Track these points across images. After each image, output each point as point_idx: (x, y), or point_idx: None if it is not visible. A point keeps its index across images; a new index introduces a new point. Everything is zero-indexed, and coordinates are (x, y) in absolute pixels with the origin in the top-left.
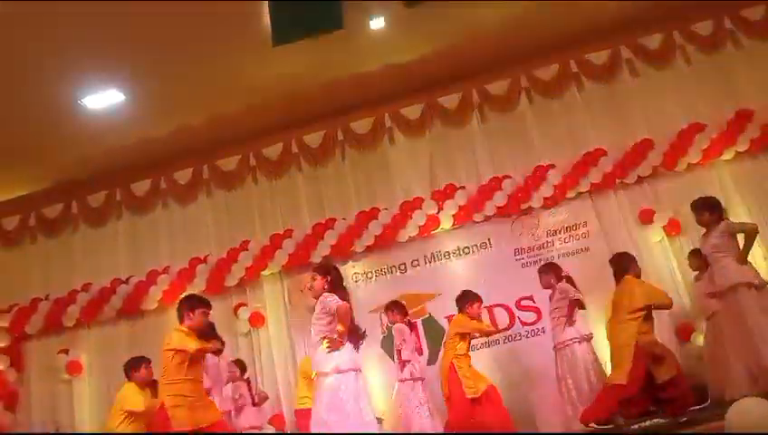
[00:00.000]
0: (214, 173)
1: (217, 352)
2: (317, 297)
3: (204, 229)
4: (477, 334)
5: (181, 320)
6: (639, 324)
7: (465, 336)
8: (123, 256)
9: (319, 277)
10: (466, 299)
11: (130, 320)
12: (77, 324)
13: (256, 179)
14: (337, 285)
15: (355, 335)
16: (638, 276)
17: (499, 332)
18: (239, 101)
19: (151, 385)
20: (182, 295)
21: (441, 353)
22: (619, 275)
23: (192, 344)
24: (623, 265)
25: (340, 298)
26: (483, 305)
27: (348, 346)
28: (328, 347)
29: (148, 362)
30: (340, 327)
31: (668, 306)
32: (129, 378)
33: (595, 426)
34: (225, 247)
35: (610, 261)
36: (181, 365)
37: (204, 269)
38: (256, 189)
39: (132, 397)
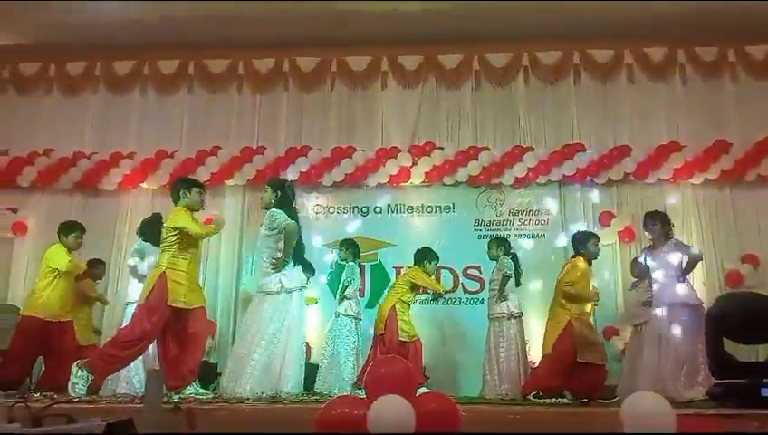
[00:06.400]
0: (199, 72)
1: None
2: (265, 209)
3: (177, 125)
4: (428, 290)
5: (177, 199)
6: (571, 305)
7: (416, 288)
8: (90, 131)
9: (269, 189)
10: (427, 256)
11: (85, 195)
12: (31, 187)
13: (241, 89)
14: (285, 203)
15: (301, 257)
16: (593, 258)
17: (445, 293)
18: (238, 4)
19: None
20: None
21: (385, 295)
22: (574, 252)
23: (196, 228)
24: (578, 243)
25: (288, 216)
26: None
27: (291, 265)
28: (273, 267)
29: (82, 232)
30: (282, 245)
31: (588, 300)
32: (59, 239)
33: (531, 398)
34: (194, 148)
35: (573, 235)
36: (183, 244)
37: (169, 163)
38: (239, 99)
39: (58, 256)
